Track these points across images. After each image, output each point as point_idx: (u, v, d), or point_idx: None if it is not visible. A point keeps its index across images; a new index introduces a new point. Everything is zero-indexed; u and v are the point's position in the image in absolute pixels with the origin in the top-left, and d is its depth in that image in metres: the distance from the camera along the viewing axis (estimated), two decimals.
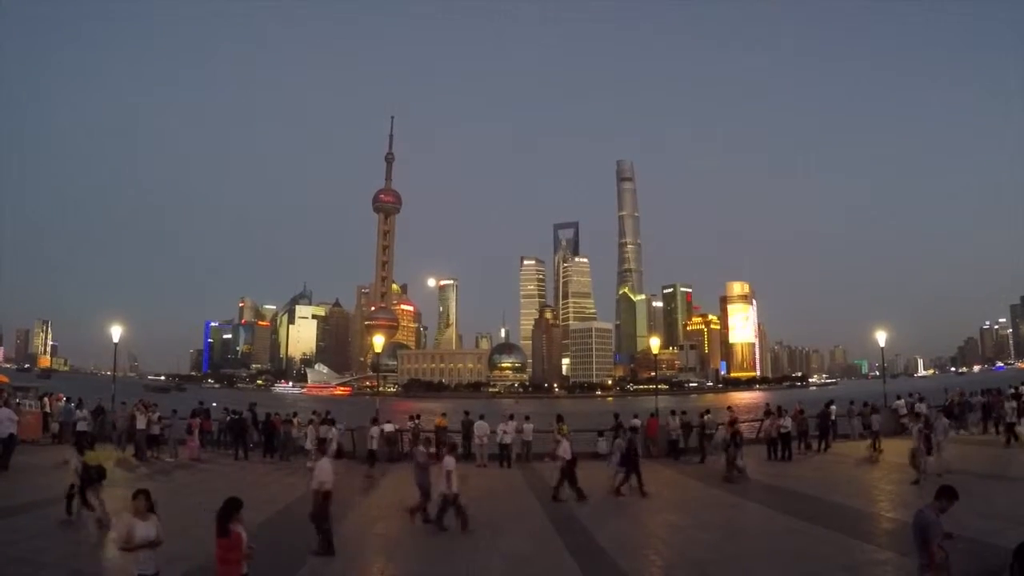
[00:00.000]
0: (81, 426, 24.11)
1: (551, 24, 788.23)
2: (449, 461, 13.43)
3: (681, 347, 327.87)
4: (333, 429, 23.16)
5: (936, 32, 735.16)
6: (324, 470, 11.63)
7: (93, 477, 13.25)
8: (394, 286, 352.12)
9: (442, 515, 13.30)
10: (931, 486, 15.98)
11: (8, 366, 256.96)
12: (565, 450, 17.20)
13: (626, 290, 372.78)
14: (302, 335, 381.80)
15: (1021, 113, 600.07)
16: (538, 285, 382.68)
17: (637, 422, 25.62)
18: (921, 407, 27.28)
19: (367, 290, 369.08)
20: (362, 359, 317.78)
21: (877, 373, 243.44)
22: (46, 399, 29.20)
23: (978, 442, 25.43)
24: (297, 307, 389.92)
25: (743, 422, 25.23)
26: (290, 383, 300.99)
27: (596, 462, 21.84)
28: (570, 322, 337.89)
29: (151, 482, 19.50)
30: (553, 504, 16.48)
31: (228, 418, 27.36)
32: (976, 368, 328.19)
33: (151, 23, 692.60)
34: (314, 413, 27.88)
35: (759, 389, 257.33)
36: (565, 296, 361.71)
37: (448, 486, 13.11)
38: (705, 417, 25.48)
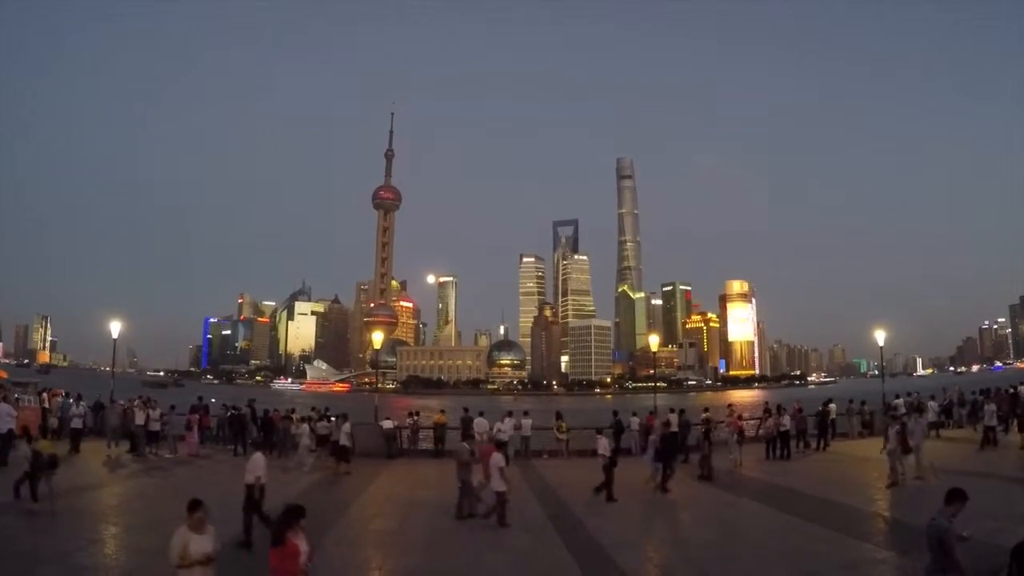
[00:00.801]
0: (76, 423, 24.06)
1: (552, 23, 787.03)
2: (498, 458, 13.52)
3: (680, 345, 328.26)
4: (305, 425, 23.14)
5: (937, 32, 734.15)
6: (257, 464, 11.78)
7: (44, 465, 13.51)
8: (393, 283, 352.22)
9: (503, 513, 13.28)
10: (913, 487, 16.20)
11: (7, 361, 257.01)
12: (605, 447, 16.98)
13: (625, 288, 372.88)
14: (301, 331, 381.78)
15: (1021, 112, 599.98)
16: (537, 282, 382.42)
17: (636, 420, 25.63)
18: (932, 405, 27.75)
19: (366, 287, 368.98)
20: (361, 355, 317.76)
21: (876, 372, 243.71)
22: (44, 395, 29.18)
23: (967, 440, 25.39)
24: (296, 303, 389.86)
25: (744, 420, 25.21)
26: (289, 379, 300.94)
27: (596, 460, 21.84)
28: (569, 319, 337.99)
29: (149, 478, 19.55)
30: (551, 501, 16.50)
31: (228, 414, 27.39)
32: (975, 368, 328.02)
33: (150, 21, 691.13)
34: (312, 410, 27.89)
35: (758, 387, 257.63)
36: (564, 293, 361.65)
37: (500, 483, 13.20)
38: (703, 416, 25.49)
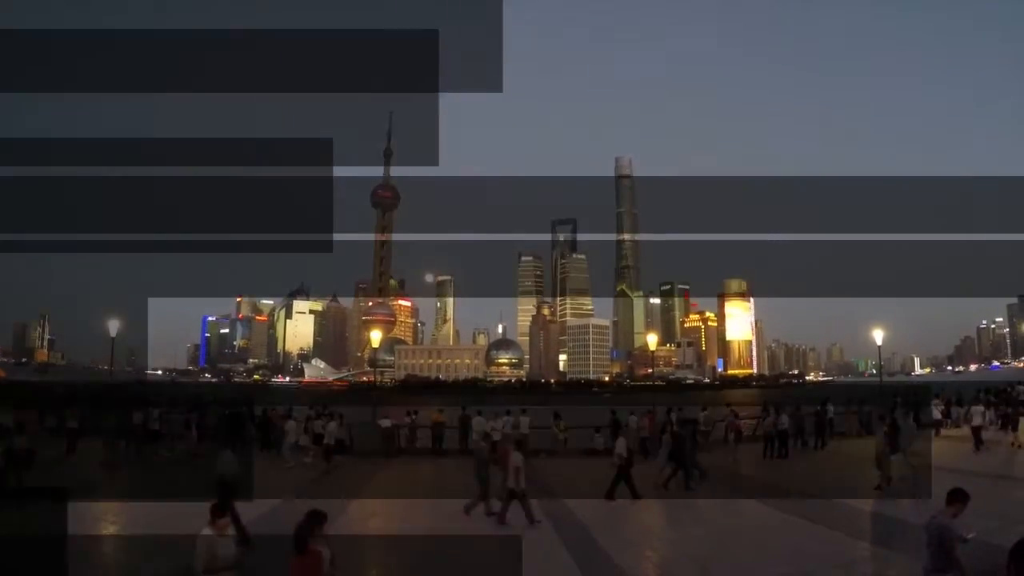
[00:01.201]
0: (71, 423, 24.02)
1: (551, 22, 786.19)
2: (517, 456, 13.60)
3: (678, 344, 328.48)
4: (290, 422, 23.32)
5: (936, 32, 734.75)
6: (227, 462, 11.79)
7: (22, 460, 13.60)
8: (392, 282, 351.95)
9: (505, 509, 13.44)
10: (903, 488, 16.19)
11: (5, 360, 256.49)
12: (622, 447, 16.92)
13: (624, 287, 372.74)
14: (299, 330, 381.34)
15: (1019, 111, 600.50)
16: (536, 281, 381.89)
17: (634, 419, 25.63)
18: (936, 403, 28.12)
19: (365, 285, 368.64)
20: (359, 354, 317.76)
21: (875, 371, 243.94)
22: None
23: (965, 439, 25.41)
24: (294, 302, 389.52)
25: (741, 419, 25.27)
26: (287, 378, 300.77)
27: (593, 459, 21.90)
28: (567, 318, 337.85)
29: (146, 477, 19.53)
30: (549, 500, 16.47)
31: (225, 412, 27.39)
32: (973, 367, 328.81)
33: (148, 19, 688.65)
34: (311, 408, 27.90)
35: (756, 386, 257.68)
36: (563, 292, 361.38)
37: (516, 481, 13.28)
38: (702, 415, 25.53)
